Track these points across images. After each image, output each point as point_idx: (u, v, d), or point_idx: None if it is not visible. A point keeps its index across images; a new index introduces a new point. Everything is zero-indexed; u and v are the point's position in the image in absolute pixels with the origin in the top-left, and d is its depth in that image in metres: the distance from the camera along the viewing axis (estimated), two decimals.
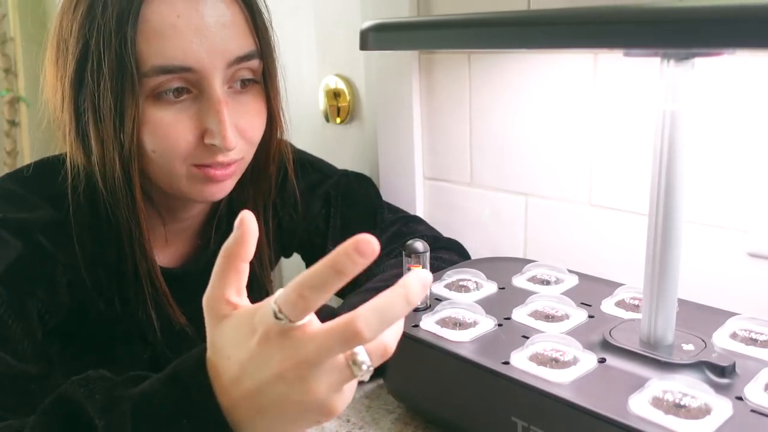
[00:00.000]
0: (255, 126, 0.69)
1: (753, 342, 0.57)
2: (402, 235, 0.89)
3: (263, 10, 0.69)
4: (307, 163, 0.91)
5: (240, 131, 0.67)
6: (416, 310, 0.66)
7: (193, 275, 0.78)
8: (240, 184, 0.72)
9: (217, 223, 0.79)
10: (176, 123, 0.64)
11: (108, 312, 0.71)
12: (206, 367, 0.45)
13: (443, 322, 0.64)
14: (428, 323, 0.63)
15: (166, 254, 0.77)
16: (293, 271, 1.52)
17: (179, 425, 0.44)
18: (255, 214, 0.80)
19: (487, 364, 0.56)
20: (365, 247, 0.38)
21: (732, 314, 0.62)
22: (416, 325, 0.63)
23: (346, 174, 0.94)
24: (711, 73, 0.71)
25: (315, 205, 0.89)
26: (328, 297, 0.41)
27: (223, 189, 0.69)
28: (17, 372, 0.62)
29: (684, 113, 0.52)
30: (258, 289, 0.82)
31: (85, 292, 0.69)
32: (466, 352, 0.58)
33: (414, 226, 0.93)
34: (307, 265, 0.94)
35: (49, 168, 0.70)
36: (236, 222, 0.43)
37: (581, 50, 0.80)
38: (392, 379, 0.67)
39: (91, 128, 0.63)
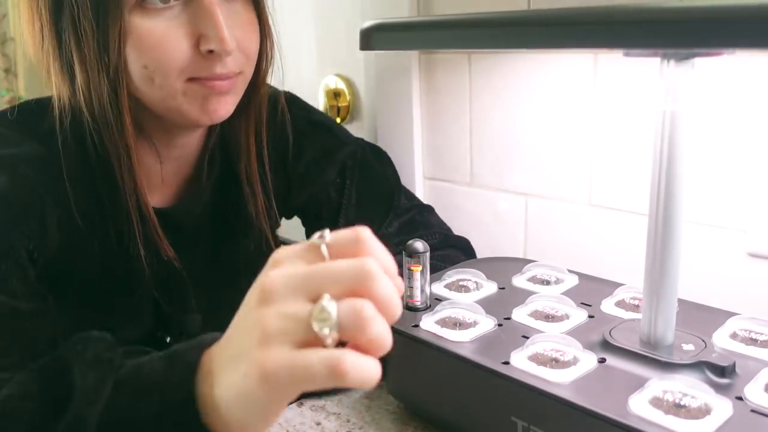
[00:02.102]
0: (250, 37, 0.66)
1: (753, 342, 0.57)
2: (415, 224, 0.87)
3: None
4: (322, 124, 0.88)
5: (235, 39, 0.62)
6: (416, 309, 0.66)
7: (190, 217, 0.76)
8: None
9: (210, 156, 0.76)
10: (167, 32, 0.60)
11: (101, 253, 0.68)
12: (206, 347, 0.44)
13: (443, 322, 0.64)
14: (428, 323, 0.63)
15: (160, 195, 0.74)
16: None
17: (150, 400, 0.43)
18: (247, 145, 0.74)
19: (487, 364, 0.56)
20: None
21: (732, 314, 0.62)
22: (416, 325, 0.63)
23: (363, 145, 0.90)
24: (711, 73, 0.71)
25: (329, 172, 0.85)
26: None
27: (224, 105, 0.65)
28: (8, 309, 0.59)
29: (684, 113, 0.52)
30: (261, 238, 0.79)
31: (75, 230, 0.65)
32: (466, 352, 0.58)
33: (428, 216, 0.90)
34: (307, 232, 0.90)
35: (33, 108, 0.67)
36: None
37: (581, 50, 0.80)
38: (392, 379, 0.67)
39: (73, 52, 0.60)
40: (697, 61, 0.51)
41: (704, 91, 0.71)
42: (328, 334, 0.38)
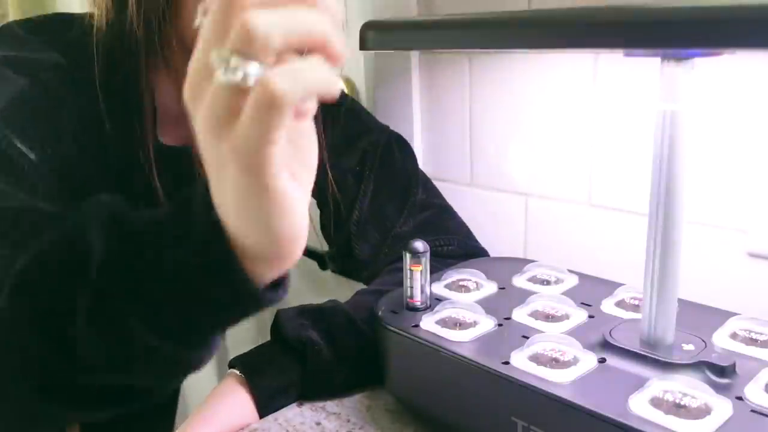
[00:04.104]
0: None
1: (753, 342, 0.57)
2: (431, 227, 0.84)
3: None
4: (351, 110, 0.86)
5: None
6: (416, 309, 0.66)
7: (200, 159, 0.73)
8: None
9: None
10: None
11: (118, 168, 0.66)
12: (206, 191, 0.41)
13: (443, 322, 0.64)
14: (428, 323, 0.63)
15: (174, 135, 0.72)
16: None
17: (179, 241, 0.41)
18: None
19: (487, 364, 0.56)
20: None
21: (732, 314, 0.62)
22: (416, 325, 0.63)
23: (388, 134, 0.88)
24: (711, 73, 0.71)
25: (350, 157, 0.83)
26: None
27: None
28: (27, 207, 0.57)
29: (684, 113, 0.52)
30: None
31: (92, 143, 0.64)
32: (466, 352, 0.58)
33: (446, 219, 0.87)
34: (323, 222, 0.87)
35: (54, 21, 0.67)
36: None
37: (581, 50, 0.80)
38: (392, 379, 0.67)
39: None
40: (697, 61, 0.51)
41: (704, 91, 0.71)
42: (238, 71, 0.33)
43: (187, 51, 0.50)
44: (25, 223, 0.56)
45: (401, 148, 0.89)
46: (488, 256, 0.89)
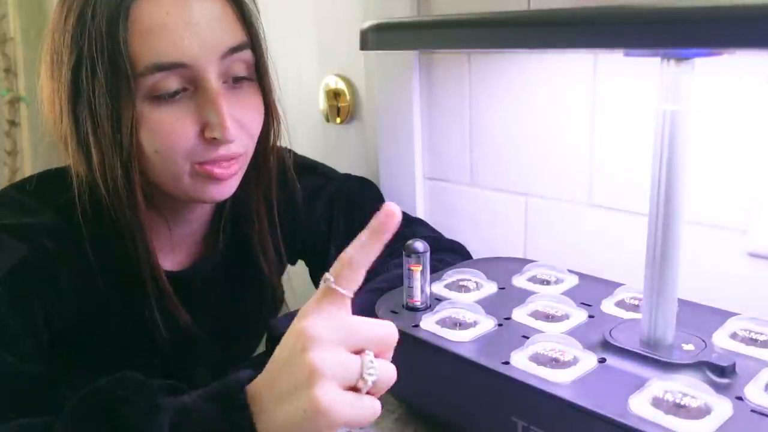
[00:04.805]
0: (253, 118, 0.69)
1: (753, 342, 0.57)
2: (404, 236, 0.88)
3: (250, 3, 0.69)
4: (310, 168, 0.91)
5: (239, 124, 0.67)
6: (416, 309, 0.66)
7: (201, 279, 0.78)
8: (242, 183, 0.72)
9: (223, 224, 0.79)
10: (176, 121, 0.64)
11: (117, 319, 0.70)
12: (248, 388, 0.48)
13: (443, 322, 0.64)
14: (428, 323, 0.63)
15: (172, 259, 0.77)
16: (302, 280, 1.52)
17: None
18: (258, 212, 0.79)
19: (487, 364, 0.56)
20: (391, 213, 0.48)
21: (732, 314, 0.62)
22: (416, 325, 0.63)
23: (349, 178, 0.94)
24: (711, 73, 0.71)
25: (317, 209, 0.89)
26: (369, 260, 0.48)
27: (227, 188, 0.69)
28: (18, 371, 0.61)
29: (684, 113, 0.52)
30: (266, 291, 0.82)
31: (92, 299, 0.68)
32: (466, 352, 0.58)
33: (416, 227, 0.93)
34: (311, 272, 0.94)
35: (51, 180, 0.71)
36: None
37: (581, 50, 0.80)
38: None
39: (90, 135, 0.63)
40: (697, 61, 0.51)
41: (704, 91, 0.71)
42: (370, 385, 0.46)
43: (159, 186, 0.67)
44: (16, 387, 0.60)
45: (363, 185, 0.96)
46: (464, 247, 0.91)
